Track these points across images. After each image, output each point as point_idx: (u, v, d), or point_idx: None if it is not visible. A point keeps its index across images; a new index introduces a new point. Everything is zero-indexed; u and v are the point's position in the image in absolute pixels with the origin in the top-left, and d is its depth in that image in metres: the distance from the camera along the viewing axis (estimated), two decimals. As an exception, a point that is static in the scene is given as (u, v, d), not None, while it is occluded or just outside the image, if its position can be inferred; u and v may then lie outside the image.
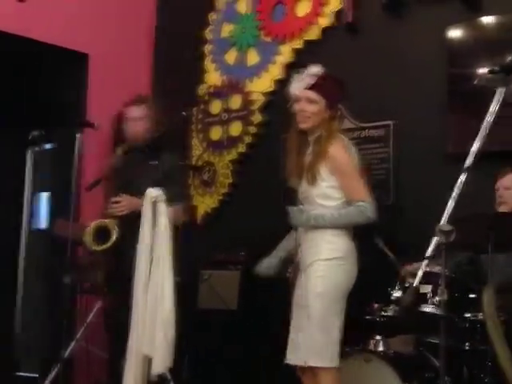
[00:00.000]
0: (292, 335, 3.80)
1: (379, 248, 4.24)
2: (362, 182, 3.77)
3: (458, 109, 4.72)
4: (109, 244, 4.50)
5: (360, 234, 3.87)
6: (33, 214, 6.63)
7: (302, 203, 3.89)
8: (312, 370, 3.70)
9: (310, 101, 3.85)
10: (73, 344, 5.35)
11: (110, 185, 4.79)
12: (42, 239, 5.72)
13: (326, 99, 3.85)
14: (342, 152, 3.77)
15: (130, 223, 4.42)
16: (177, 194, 4.59)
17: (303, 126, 3.90)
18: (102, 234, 4.52)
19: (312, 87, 3.86)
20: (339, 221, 3.72)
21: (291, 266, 4.09)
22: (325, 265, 3.71)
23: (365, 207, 3.67)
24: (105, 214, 4.65)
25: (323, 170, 3.75)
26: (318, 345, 3.64)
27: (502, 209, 4.12)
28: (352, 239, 3.83)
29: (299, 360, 3.73)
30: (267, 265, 4.12)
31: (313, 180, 3.77)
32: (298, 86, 3.91)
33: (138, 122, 4.77)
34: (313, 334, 3.65)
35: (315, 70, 3.92)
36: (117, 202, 4.59)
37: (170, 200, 4.52)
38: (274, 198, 5.47)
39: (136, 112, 4.80)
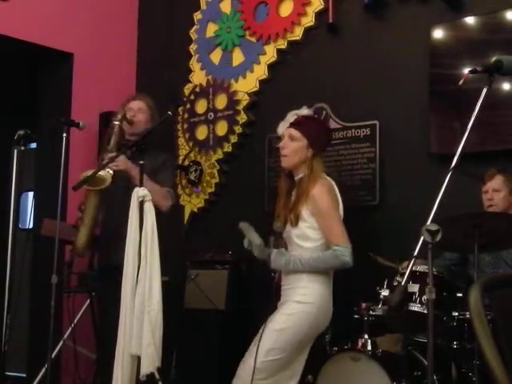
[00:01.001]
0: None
1: (379, 263, 4.25)
2: (341, 225, 3.78)
3: (441, 109, 4.75)
4: (104, 185, 4.42)
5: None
6: (19, 214, 6.61)
7: (286, 244, 3.93)
8: None
9: (292, 138, 3.90)
10: (60, 344, 5.36)
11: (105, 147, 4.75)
12: (29, 239, 5.69)
13: (308, 138, 3.89)
14: (323, 194, 3.77)
15: (121, 185, 4.42)
16: (167, 180, 4.61)
17: (284, 164, 3.96)
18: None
19: (295, 125, 3.91)
20: (316, 265, 3.73)
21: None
22: (294, 307, 3.76)
23: (341, 252, 3.67)
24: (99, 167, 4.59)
25: (304, 211, 3.78)
26: (249, 373, 3.68)
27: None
28: (329, 285, 3.85)
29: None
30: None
31: (295, 221, 3.81)
32: (283, 125, 3.97)
33: (138, 112, 4.78)
34: (249, 361, 3.71)
35: (303, 111, 3.98)
36: (113, 158, 4.54)
37: (160, 184, 4.52)
38: (261, 197, 5.51)
39: (137, 104, 4.79)
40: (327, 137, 4.14)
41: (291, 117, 3.97)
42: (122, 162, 4.50)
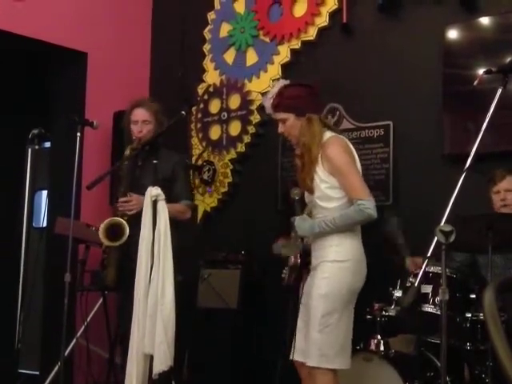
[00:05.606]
0: (297, 332, 3.82)
1: (392, 229, 4.23)
2: (361, 179, 3.74)
3: (455, 110, 4.72)
4: (122, 240, 4.49)
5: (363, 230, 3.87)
6: (33, 213, 6.64)
7: (311, 212, 3.91)
8: (310, 369, 3.72)
9: (282, 121, 3.91)
10: (73, 342, 5.38)
11: (118, 186, 4.80)
12: (43, 237, 5.72)
13: (292, 111, 3.87)
14: (338, 152, 3.74)
15: (139, 222, 4.44)
16: (183, 192, 4.74)
17: (294, 143, 3.96)
18: (114, 230, 4.52)
19: (275, 109, 3.92)
20: (341, 223, 3.67)
21: (287, 268, 4.12)
22: (331, 266, 3.71)
23: (364, 205, 3.61)
24: (115, 213, 4.66)
25: (322, 172, 3.75)
26: (316, 345, 3.64)
27: (505, 211, 4.11)
28: (360, 241, 3.83)
29: (299, 356, 3.76)
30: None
31: (310, 184, 3.78)
32: (267, 108, 4.01)
33: (143, 124, 4.79)
34: (312, 334, 3.66)
35: (274, 89, 3.99)
36: (126, 202, 4.59)
37: (177, 197, 4.61)
38: (274, 197, 5.52)
39: (142, 115, 4.81)
40: (310, 95, 3.94)
41: (267, 103, 3.99)
42: (137, 204, 4.55)
